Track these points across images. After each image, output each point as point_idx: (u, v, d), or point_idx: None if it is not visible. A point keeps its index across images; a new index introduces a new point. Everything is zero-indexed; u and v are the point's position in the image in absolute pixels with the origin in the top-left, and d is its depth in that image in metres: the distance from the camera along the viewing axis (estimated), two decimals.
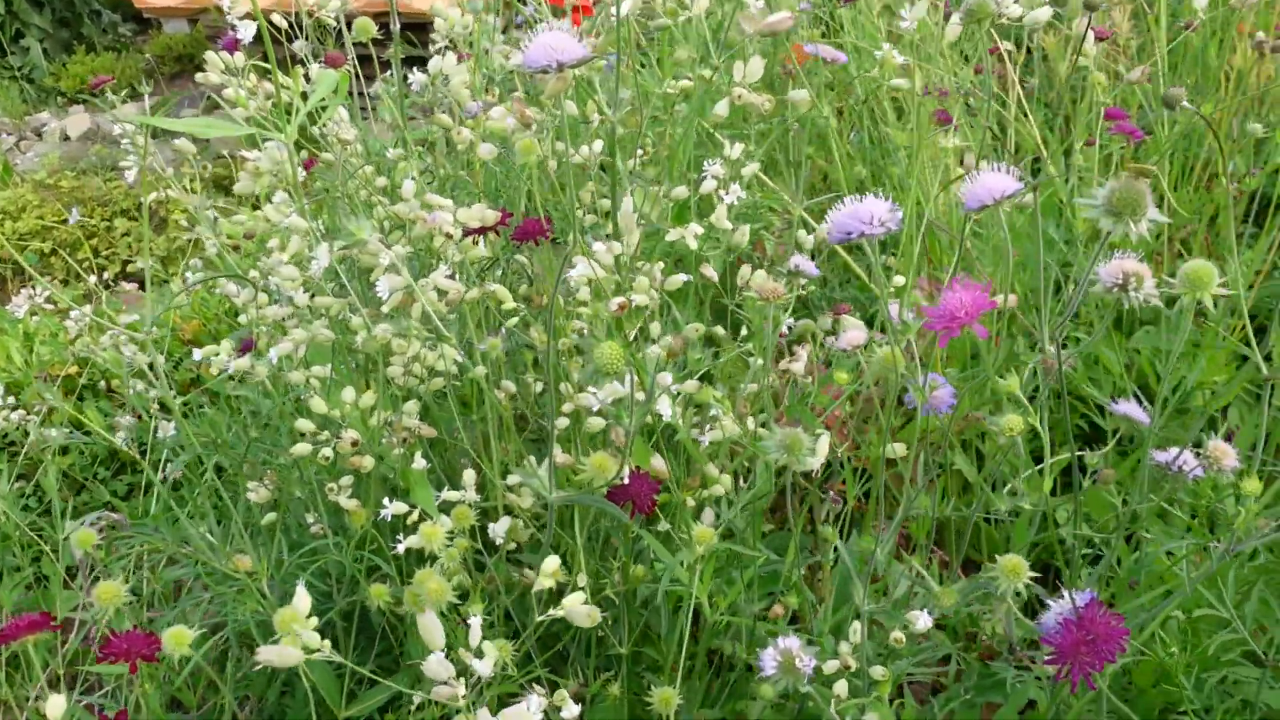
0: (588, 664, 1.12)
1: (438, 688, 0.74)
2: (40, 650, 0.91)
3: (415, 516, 0.99)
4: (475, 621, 0.78)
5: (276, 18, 1.20)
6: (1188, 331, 0.81)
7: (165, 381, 1.13)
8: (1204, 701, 1.03)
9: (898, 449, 0.97)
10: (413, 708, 0.82)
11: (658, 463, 0.97)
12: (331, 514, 1.14)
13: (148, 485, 1.70)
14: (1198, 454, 0.92)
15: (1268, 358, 1.29)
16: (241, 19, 1.13)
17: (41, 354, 2.01)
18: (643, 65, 1.33)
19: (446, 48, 1.22)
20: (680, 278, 1.01)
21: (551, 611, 0.79)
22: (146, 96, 1.19)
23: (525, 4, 1.35)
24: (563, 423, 0.99)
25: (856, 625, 0.91)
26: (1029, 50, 1.74)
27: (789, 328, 1.06)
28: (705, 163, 1.06)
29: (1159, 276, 0.81)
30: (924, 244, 1.40)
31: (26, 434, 1.46)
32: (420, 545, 0.90)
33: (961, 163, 1.39)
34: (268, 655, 0.70)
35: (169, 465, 1.33)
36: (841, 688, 0.88)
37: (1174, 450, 0.96)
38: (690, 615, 0.94)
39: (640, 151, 1.16)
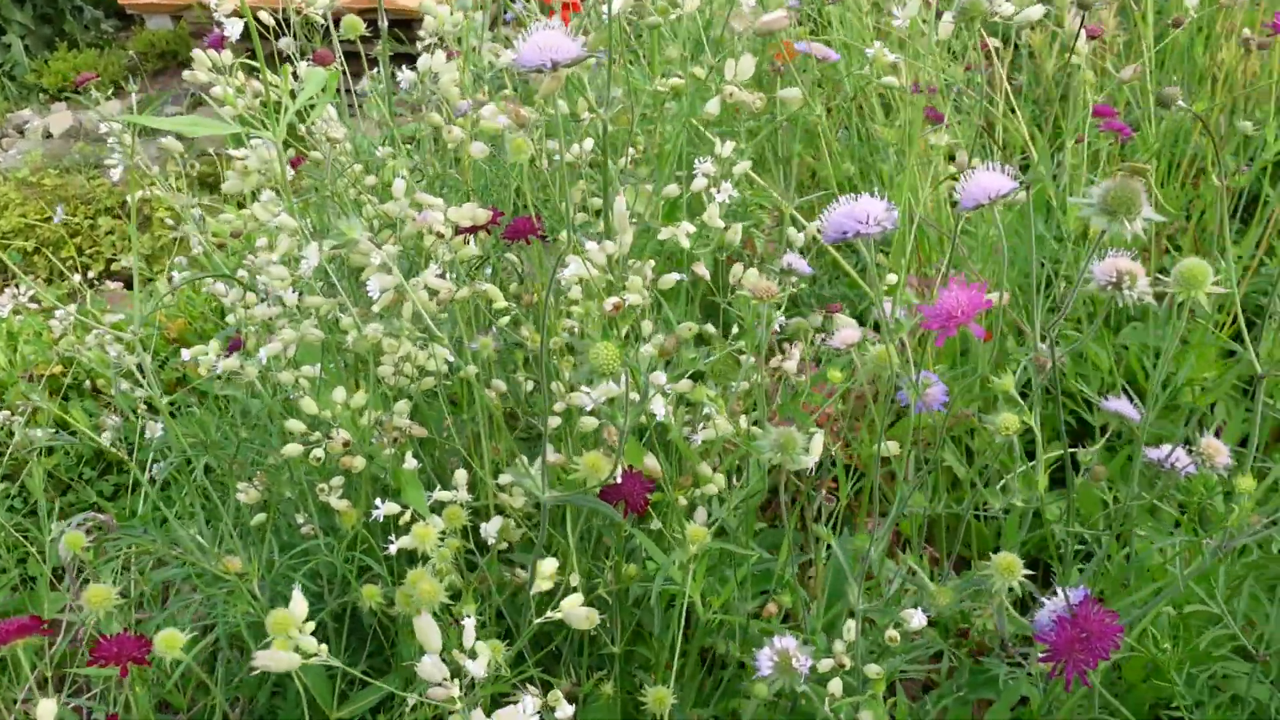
0: (580, 663, 1.12)
1: (433, 690, 0.74)
2: (28, 653, 0.90)
3: (407, 517, 0.98)
4: (469, 623, 0.78)
5: (264, 15, 1.20)
6: (1181, 330, 0.81)
7: (153, 381, 1.12)
8: (1195, 697, 1.03)
9: (892, 447, 0.98)
10: (407, 710, 0.82)
11: (650, 462, 0.97)
12: (322, 514, 1.13)
13: (134, 485, 1.69)
14: (1189, 451, 0.92)
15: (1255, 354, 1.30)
16: (228, 16, 1.13)
17: (26, 353, 2.00)
18: (631, 63, 1.33)
19: (435, 45, 1.22)
20: (674, 277, 1.01)
21: (550, 614, 0.78)
22: (134, 95, 1.17)
23: (514, 1, 1.34)
24: (554, 422, 0.98)
25: (851, 624, 0.91)
26: (1016, 47, 1.74)
27: (781, 326, 1.06)
28: (696, 161, 1.05)
29: (1149, 273, 0.81)
30: (914, 241, 1.40)
31: (11, 434, 1.45)
32: (413, 546, 0.89)
33: (954, 160, 1.39)
34: (264, 660, 0.69)
35: (155, 466, 1.31)
36: (836, 686, 0.88)
37: (1166, 448, 0.97)
38: (683, 614, 0.94)
39: (632, 150, 1.16)
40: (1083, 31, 1.30)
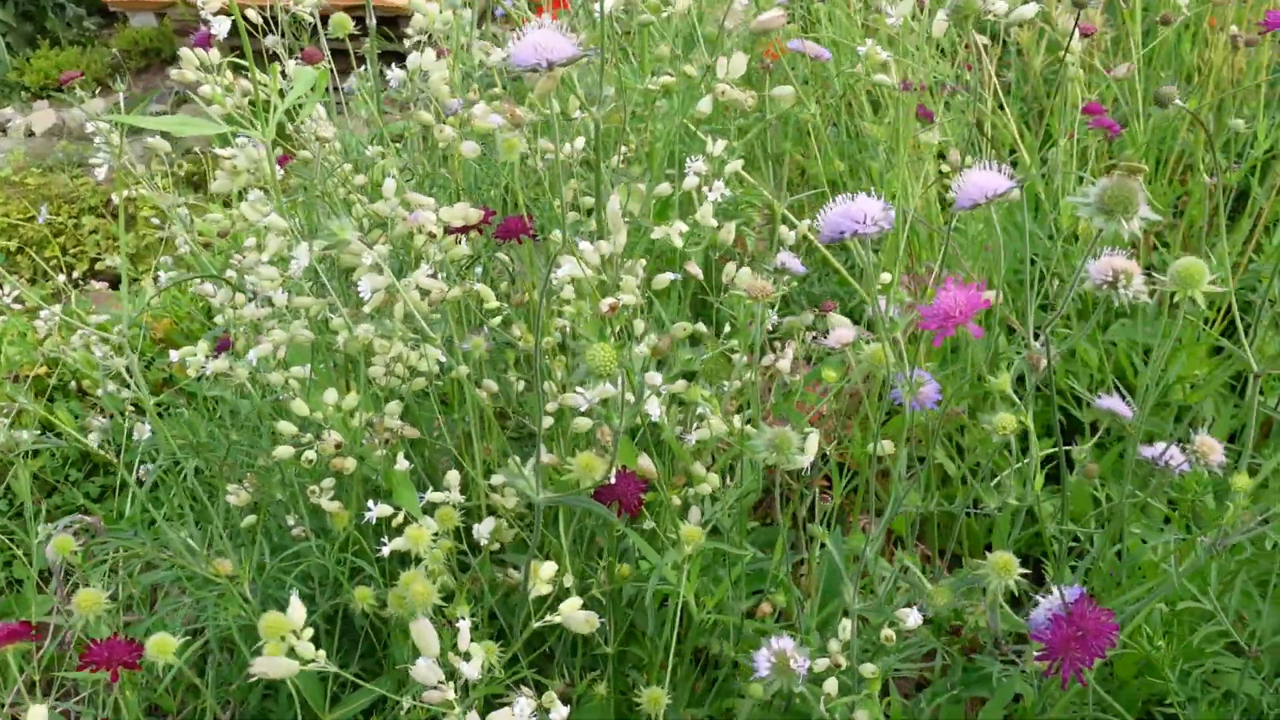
0: (574, 663, 1.11)
1: (429, 693, 0.73)
2: (16, 656, 0.89)
3: (399, 519, 0.98)
4: (464, 625, 0.77)
5: (251, 12, 1.19)
6: (1177, 329, 0.81)
7: (141, 382, 1.12)
8: (1188, 693, 1.03)
9: (887, 446, 0.97)
10: (401, 713, 0.81)
11: (645, 462, 0.96)
12: (313, 516, 1.13)
13: (121, 486, 1.67)
14: (1183, 449, 0.93)
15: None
16: (216, 14, 1.12)
17: (10, 354, 1.98)
18: (620, 62, 1.32)
19: (423, 42, 1.21)
20: (668, 276, 1.00)
21: (549, 618, 0.78)
22: (121, 94, 1.16)
23: None
24: (547, 422, 0.98)
25: (846, 623, 0.90)
26: (1004, 44, 1.74)
27: (774, 325, 1.05)
28: (688, 159, 1.05)
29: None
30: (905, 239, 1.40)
31: None
32: (406, 548, 0.88)
33: (946, 159, 1.39)
34: (263, 666, 0.69)
35: (143, 467, 1.30)
36: (831, 685, 0.88)
37: (1160, 445, 0.97)
38: (677, 614, 0.93)
39: (624, 149, 1.15)
40: (1076, 30, 1.30)
